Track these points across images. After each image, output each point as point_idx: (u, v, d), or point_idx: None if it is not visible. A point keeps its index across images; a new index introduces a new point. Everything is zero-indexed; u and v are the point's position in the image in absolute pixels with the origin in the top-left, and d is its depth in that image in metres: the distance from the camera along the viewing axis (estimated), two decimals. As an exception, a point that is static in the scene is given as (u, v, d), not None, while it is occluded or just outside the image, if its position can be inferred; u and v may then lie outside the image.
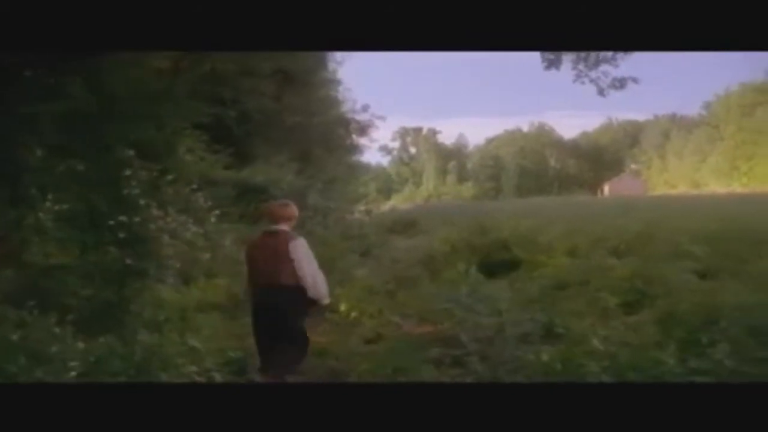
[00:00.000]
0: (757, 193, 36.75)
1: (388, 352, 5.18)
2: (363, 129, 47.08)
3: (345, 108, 46.37)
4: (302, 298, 4.98)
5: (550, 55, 9.09)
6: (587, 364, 3.26)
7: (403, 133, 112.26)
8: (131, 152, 5.68)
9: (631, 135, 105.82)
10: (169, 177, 6.28)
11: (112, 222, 5.08)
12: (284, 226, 5.13)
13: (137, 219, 5.25)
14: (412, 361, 4.42)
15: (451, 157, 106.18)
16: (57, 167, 5.19)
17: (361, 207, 28.45)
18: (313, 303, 5.14)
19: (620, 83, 9.21)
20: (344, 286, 8.36)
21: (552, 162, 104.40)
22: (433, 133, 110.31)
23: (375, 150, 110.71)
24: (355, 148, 49.26)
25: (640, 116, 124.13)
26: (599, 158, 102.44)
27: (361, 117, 46.32)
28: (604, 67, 9.09)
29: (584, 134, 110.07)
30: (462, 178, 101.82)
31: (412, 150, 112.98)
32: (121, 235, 5.13)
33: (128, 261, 5.14)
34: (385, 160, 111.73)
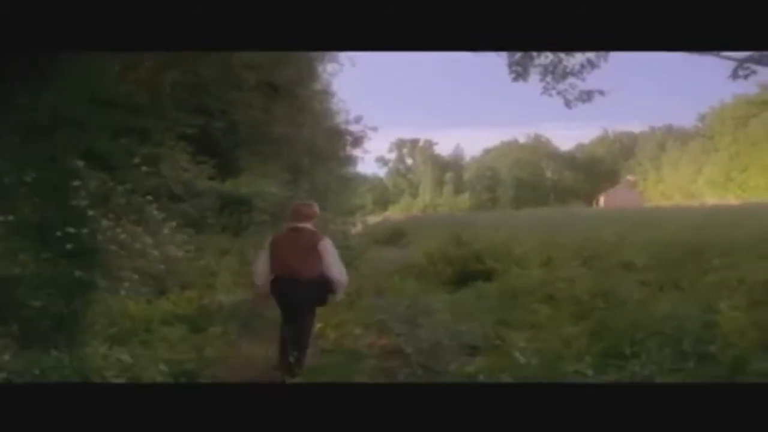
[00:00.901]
0: (749, 204, 36.77)
1: (327, 364, 5.19)
2: (356, 140, 47.25)
3: (338, 119, 46.56)
4: (320, 290, 5.60)
5: (517, 68, 9.16)
6: (502, 376, 3.28)
7: (400, 145, 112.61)
8: (81, 162, 5.69)
9: (627, 147, 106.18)
10: (120, 188, 6.28)
11: (59, 233, 5.11)
12: (307, 224, 5.75)
13: (85, 230, 5.27)
14: (349, 373, 4.43)
15: (448, 169, 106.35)
16: (4, 177, 5.21)
17: (350, 218, 28.45)
18: (330, 293, 5.79)
19: (587, 96, 9.28)
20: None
21: (548, 173, 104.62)
22: (430, 144, 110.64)
23: (372, 161, 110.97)
24: (348, 160, 49.46)
25: (636, 128, 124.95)
26: (595, 170, 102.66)
27: (354, 128, 46.49)
28: (571, 80, 9.18)
29: (580, 146, 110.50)
30: (459, 190, 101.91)
31: (409, 161, 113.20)
32: (69, 246, 5.15)
33: (77, 273, 5.17)
34: (381, 171, 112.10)
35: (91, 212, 5.40)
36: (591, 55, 8.86)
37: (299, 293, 5.48)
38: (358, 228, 40.76)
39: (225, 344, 6.54)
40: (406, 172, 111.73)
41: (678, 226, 14.06)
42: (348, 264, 14.56)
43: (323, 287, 5.65)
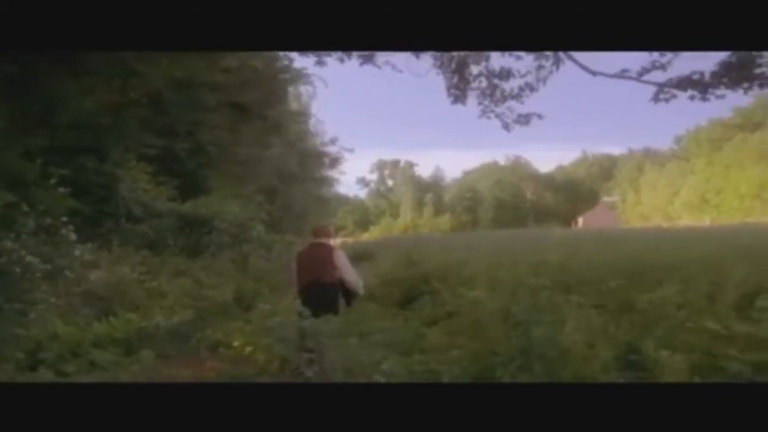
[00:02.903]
0: (716, 226, 37.15)
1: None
2: (332, 161, 47.55)
3: (316, 141, 46.85)
4: (337, 291, 6.91)
5: (455, 91, 9.28)
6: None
7: (381, 166, 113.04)
8: (-15, 183, 5.63)
9: (606, 169, 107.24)
10: (27, 209, 6.22)
11: (-42, 255, 5.06)
12: (324, 240, 7.21)
13: (-12, 253, 5.22)
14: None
15: (429, 190, 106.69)
16: None
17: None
18: (353, 295, 7.16)
19: (525, 119, 9.39)
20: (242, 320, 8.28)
21: (528, 195, 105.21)
22: (410, 165, 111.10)
23: (353, 182, 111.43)
24: (325, 181, 49.69)
25: (615, 150, 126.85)
26: (575, 191, 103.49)
27: (330, 149, 46.77)
28: (509, 103, 9.30)
29: (560, 168, 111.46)
30: (439, 211, 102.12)
31: (390, 182, 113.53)
32: (-31, 268, 5.10)
33: (-20, 295, 5.12)
34: (362, 192, 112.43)
35: (-7, 234, 5.37)
36: (529, 78, 9.04)
37: (322, 295, 6.62)
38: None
39: (142, 368, 6.43)
40: (386, 193, 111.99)
41: (635, 248, 14.14)
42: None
43: (341, 290, 6.98)
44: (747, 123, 74.07)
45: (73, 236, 6.95)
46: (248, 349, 7.70)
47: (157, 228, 15.69)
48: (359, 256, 26.02)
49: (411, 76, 8.99)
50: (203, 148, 21.03)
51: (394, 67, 9.03)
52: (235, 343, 7.76)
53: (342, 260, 7.08)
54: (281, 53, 22.47)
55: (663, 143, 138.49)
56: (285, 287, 13.88)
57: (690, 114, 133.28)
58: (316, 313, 6.10)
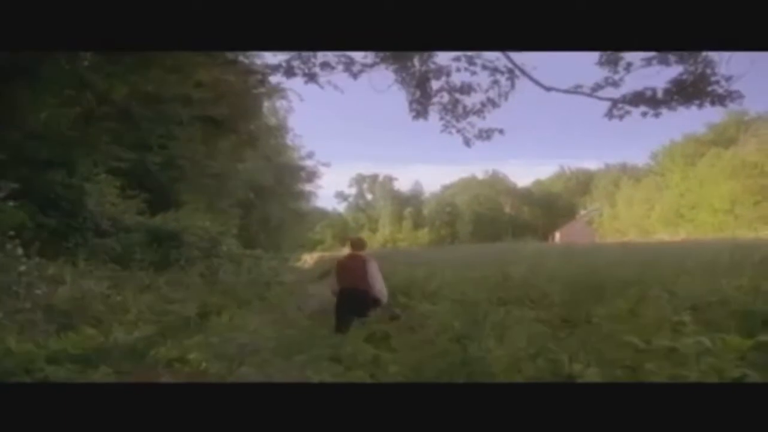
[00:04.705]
0: (687, 240, 37.50)
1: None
2: (309, 175, 47.45)
3: (294, 155, 46.74)
4: (368, 296, 7.82)
5: (417, 106, 9.37)
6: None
7: (360, 180, 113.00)
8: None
9: (583, 183, 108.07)
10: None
11: None
12: (359, 252, 8.36)
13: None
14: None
15: (407, 204, 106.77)
16: None
17: (286, 254, 28.28)
18: (377, 303, 7.87)
19: (486, 134, 9.48)
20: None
21: (507, 209, 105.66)
22: (389, 179, 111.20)
23: (331, 196, 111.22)
24: (302, 195, 49.56)
25: (592, 165, 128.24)
26: (552, 205, 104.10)
27: (306, 163, 46.69)
28: (471, 118, 9.39)
29: (537, 182, 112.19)
30: (418, 225, 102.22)
31: (369, 196, 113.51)
32: None
33: None
34: (341, 207, 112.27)
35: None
36: (491, 93, 9.15)
37: (355, 301, 7.70)
38: (305, 262, 40.31)
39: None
40: (365, 207, 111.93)
41: (600, 263, 14.25)
42: (261, 297, 14.55)
43: (372, 298, 7.84)
44: (720, 139, 75.16)
45: (19, 251, 6.85)
46: (204, 364, 7.68)
47: (125, 242, 15.55)
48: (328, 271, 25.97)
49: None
50: (175, 162, 20.91)
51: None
52: (190, 356, 7.72)
53: (374, 270, 8.01)
54: (258, 67, 22.45)
55: (637, 158, 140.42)
56: (252, 301, 13.88)
57: (661, 128, 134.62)
58: (350, 316, 7.36)
